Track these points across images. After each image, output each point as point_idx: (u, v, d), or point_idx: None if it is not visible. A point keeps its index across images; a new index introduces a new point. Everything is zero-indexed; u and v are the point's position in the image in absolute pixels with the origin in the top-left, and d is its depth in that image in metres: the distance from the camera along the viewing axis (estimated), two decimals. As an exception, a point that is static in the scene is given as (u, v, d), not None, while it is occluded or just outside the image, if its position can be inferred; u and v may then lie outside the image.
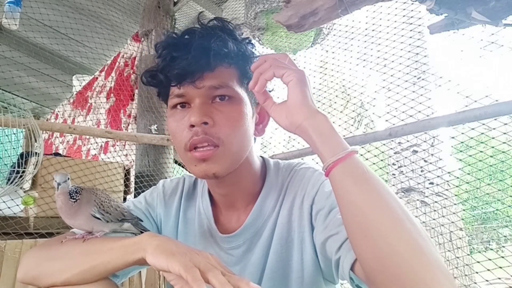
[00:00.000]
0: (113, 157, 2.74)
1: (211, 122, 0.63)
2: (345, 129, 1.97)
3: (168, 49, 0.65)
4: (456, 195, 3.29)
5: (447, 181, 3.13)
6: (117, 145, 2.81)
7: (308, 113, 0.55)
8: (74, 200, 0.60)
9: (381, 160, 1.82)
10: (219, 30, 0.67)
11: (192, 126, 0.62)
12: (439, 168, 1.60)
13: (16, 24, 2.06)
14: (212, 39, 0.64)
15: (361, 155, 1.73)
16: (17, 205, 1.59)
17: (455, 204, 3.58)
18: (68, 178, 0.61)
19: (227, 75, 0.65)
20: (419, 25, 1.57)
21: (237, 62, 0.67)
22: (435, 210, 3.31)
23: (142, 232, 0.68)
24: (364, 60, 1.78)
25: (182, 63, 0.62)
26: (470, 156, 1.38)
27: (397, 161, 3.79)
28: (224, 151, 0.63)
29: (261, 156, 0.78)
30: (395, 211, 0.47)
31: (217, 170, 0.63)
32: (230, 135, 0.63)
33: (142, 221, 0.71)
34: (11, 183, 1.49)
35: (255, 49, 0.73)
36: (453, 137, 1.41)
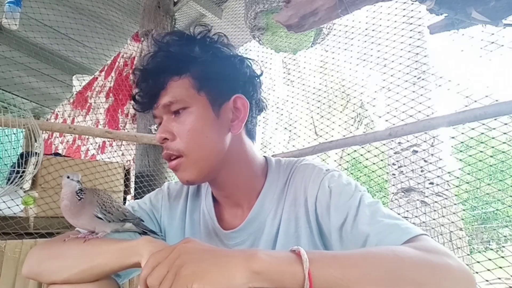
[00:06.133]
0: (113, 156, 2.74)
1: (171, 137, 0.67)
2: (345, 129, 1.97)
3: (136, 80, 0.72)
4: (456, 195, 3.30)
5: (447, 181, 3.13)
6: (115, 145, 2.81)
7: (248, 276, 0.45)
8: (79, 199, 0.62)
9: (381, 160, 1.82)
10: (168, 44, 0.69)
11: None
12: (439, 168, 1.60)
13: (16, 24, 2.06)
14: (157, 56, 0.68)
15: (361, 155, 1.73)
16: (17, 205, 1.59)
17: (455, 204, 3.58)
18: (79, 180, 0.64)
19: (178, 87, 0.67)
20: (419, 25, 1.57)
21: (187, 70, 0.67)
22: (435, 210, 3.31)
23: (144, 231, 0.69)
24: (364, 60, 1.78)
25: (139, 92, 0.70)
26: (470, 156, 1.38)
27: (397, 161, 3.80)
28: (187, 161, 0.67)
29: (264, 156, 0.79)
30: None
31: (188, 177, 0.68)
32: (189, 144, 0.66)
33: (143, 221, 0.72)
34: (11, 183, 1.49)
35: (224, 44, 0.72)
36: (453, 137, 1.41)
